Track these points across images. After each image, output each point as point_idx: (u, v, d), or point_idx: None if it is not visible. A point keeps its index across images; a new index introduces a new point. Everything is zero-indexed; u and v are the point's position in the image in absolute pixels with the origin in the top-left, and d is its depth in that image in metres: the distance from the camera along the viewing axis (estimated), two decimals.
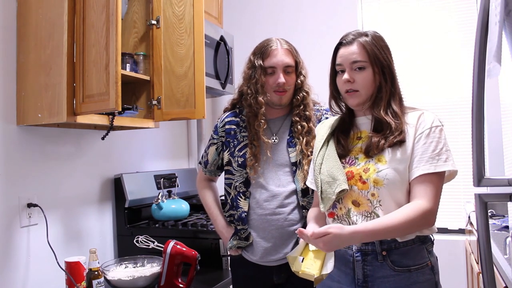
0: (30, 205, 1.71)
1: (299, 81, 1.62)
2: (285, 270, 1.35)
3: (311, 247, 1.26)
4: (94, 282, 1.67)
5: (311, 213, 1.45)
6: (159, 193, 2.20)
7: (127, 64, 1.94)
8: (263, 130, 1.60)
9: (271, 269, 1.58)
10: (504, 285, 1.24)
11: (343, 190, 1.26)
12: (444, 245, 2.41)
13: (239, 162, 1.61)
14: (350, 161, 1.31)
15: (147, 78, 2.00)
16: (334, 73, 1.36)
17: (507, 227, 1.78)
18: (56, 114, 1.60)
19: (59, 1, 1.60)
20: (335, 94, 1.39)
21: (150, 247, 1.84)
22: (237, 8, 3.06)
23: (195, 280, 1.77)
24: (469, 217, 2.20)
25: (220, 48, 2.46)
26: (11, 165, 1.67)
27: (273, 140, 1.63)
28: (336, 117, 1.43)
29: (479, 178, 0.99)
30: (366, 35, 1.31)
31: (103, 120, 1.76)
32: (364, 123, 1.35)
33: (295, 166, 1.58)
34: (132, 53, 2.02)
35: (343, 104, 1.40)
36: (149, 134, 2.47)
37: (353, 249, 1.28)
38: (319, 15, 2.88)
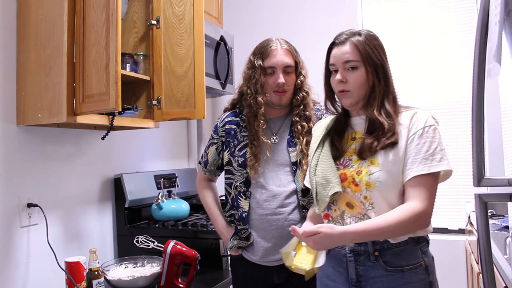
0: (30, 205, 1.72)
1: (299, 81, 1.62)
2: (286, 270, 1.35)
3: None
4: (94, 282, 1.67)
5: (310, 211, 1.46)
6: (159, 193, 2.20)
7: (127, 64, 1.94)
8: (263, 130, 1.59)
9: (271, 269, 1.58)
10: (504, 285, 1.24)
11: (336, 193, 1.26)
12: (444, 245, 2.41)
13: (239, 162, 1.61)
14: (344, 162, 1.31)
15: (147, 78, 2.00)
16: (329, 73, 1.36)
17: (507, 227, 1.78)
18: (56, 114, 1.61)
19: (59, 1, 1.60)
20: (329, 94, 1.39)
21: (150, 247, 1.84)
22: (237, 8, 3.06)
23: (195, 280, 1.77)
24: (469, 217, 2.20)
25: (220, 48, 2.46)
26: (11, 165, 1.67)
27: (273, 140, 1.63)
28: (332, 117, 1.43)
29: (479, 178, 0.99)
30: (359, 34, 1.30)
31: (103, 120, 1.76)
32: (359, 123, 1.35)
33: (296, 166, 1.58)
34: (132, 53, 2.02)
35: (339, 105, 1.39)
36: (149, 134, 2.47)
37: (346, 249, 1.28)
38: (319, 15, 2.88)
